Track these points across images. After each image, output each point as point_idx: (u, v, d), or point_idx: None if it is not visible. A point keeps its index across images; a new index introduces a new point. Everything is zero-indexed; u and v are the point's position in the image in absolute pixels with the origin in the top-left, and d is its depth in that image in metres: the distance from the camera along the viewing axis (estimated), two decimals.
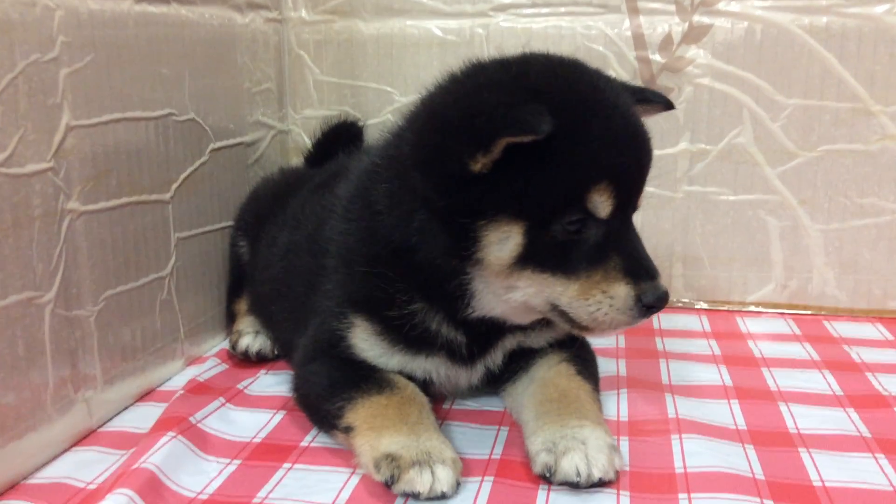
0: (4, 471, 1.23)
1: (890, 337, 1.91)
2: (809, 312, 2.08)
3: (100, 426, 1.46)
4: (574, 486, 1.20)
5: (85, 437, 1.41)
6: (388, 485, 1.18)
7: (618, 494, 1.20)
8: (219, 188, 1.87)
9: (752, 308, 2.12)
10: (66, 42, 1.35)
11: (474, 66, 1.33)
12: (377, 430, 1.25)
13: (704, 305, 2.14)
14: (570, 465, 1.19)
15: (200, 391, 1.56)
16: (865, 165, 2.01)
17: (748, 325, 2.01)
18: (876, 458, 1.30)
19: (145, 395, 1.60)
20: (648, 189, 2.05)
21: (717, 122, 2.06)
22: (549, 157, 1.17)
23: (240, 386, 1.61)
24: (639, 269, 1.24)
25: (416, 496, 1.17)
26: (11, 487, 1.24)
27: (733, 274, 2.13)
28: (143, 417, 1.48)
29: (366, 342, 1.39)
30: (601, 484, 1.20)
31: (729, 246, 2.11)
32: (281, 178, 1.99)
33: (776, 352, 1.80)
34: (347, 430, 1.29)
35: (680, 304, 2.15)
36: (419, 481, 1.16)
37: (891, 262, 2.04)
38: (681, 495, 1.19)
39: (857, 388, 1.59)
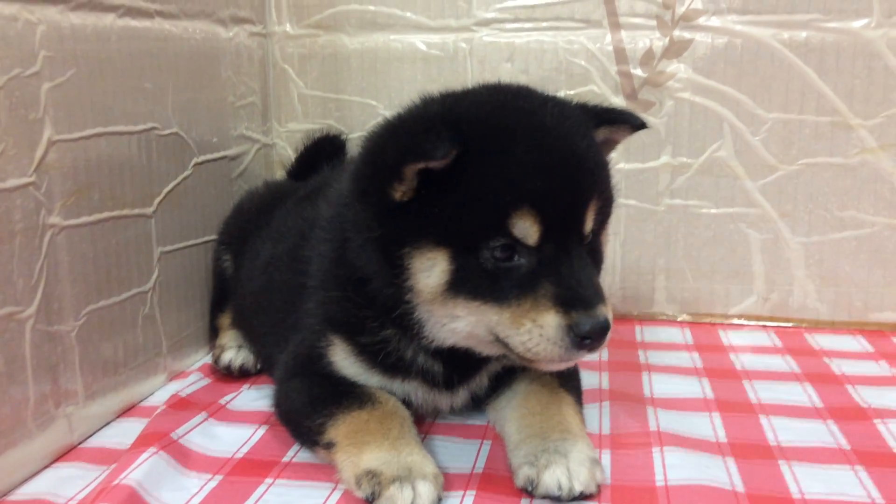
0: None
1: (870, 349, 1.93)
2: (791, 325, 2.09)
3: (81, 442, 1.45)
4: (556, 499, 1.20)
5: (66, 453, 1.40)
6: (369, 501, 1.18)
7: None
8: (202, 202, 1.87)
9: (735, 320, 2.13)
10: (48, 56, 1.35)
11: (422, 98, 1.35)
12: (358, 445, 1.25)
13: (687, 318, 2.15)
14: (552, 479, 1.20)
15: (183, 406, 1.56)
16: (845, 179, 2.03)
17: (730, 337, 2.02)
18: (855, 471, 1.31)
19: (127, 411, 1.59)
20: (629, 202, 2.10)
21: (697, 136, 2.08)
22: (465, 183, 1.19)
23: (222, 401, 1.60)
24: (572, 298, 1.18)
25: None
26: None
27: (715, 286, 2.14)
28: (124, 433, 1.47)
29: (345, 360, 1.40)
30: (583, 497, 1.20)
31: (711, 259, 2.13)
32: (265, 192, 1.99)
33: (757, 364, 1.81)
34: (329, 446, 1.29)
35: (663, 317, 2.16)
36: (400, 497, 1.16)
37: (871, 275, 2.06)
38: None
39: (837, 400, 1.60)
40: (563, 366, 1.27)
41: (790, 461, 1.34)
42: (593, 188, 1.26)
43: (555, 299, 1.18)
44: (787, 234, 2.07)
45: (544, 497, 1.21)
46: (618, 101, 2.08)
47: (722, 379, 1.72)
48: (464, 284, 1.21)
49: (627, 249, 2.16)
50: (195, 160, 1.83)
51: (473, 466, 1.34)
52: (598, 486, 1.23)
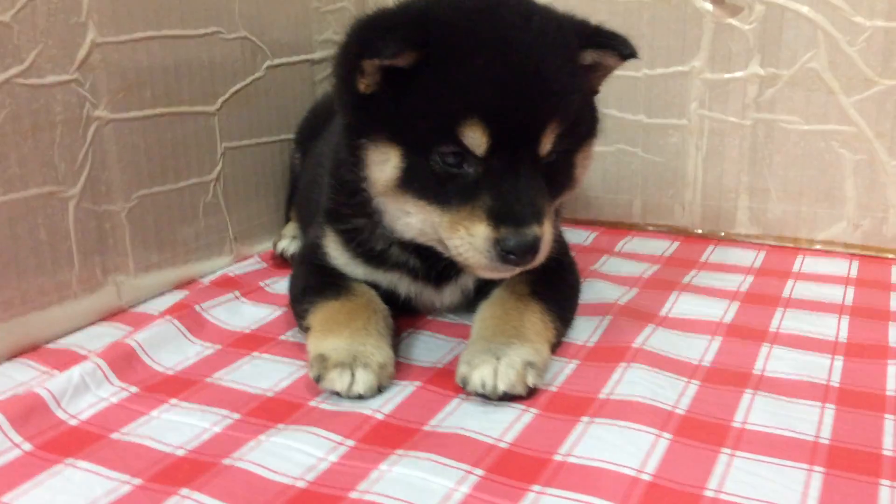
0: (25, 334, 1.46)
1: None
2: (880, 255, 1.91)
3: (130, 308, 1.67)
4: (484, 397, 1.25)
5: (113, 315, 1.63)
6: (316, 381, 1.29)
7: (524, 410, 1.23)
8: (276, 103, 2.01)
9: (818, 246, 1.98)
10: None
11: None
12: (324, 332, 1.36)
13: (770, 241, 2.03)
14: (478, 378, 1.25)
15: (225, 284, 1.74)
16: None
17: (805, 264, 1.89)
18: (823, 408, 1.23)
19: (185, 285, 1.79)
20: (713, 114, 1.99)
21: (789, 45, 1.91)
22: (424, 85, 1.22)
23: (262, 283, 1.77)
24: (505, 214, 1.21)
25: (337, 394, 1.28)
26: (33, 349, 1.48)
27: (802, 209, 1.99)
28: (170, 303, 1.65)
29: (335, 251, 1.50)
30: (508, 398, 1.24)
31: (798, 179, 1.98)
32: None
33: (807, 293, 1.69)
34: (307, 329, 1.41)
35: (744, 239, 2.05)
36: (339, 381, 1.27)
37: None
38: (583, 418, 1.20)
39: (866, 336, 1.47)
40: (496, 274, 1.30)
41: (758, 391, 1.28)
42: (554, 110, 1.25)
43: (488, 212, 1.22)
44: (883, 155, 1.88)
45: (474, 394, 1.26)
46: (704, 6, 1.95)
47: (755, 305, 1.63)
48: (413, 183, 1.27)
49: (709, 165, 2.06)
50: (268, 63, 1.96)
51: (437, 361, 1.41)
52: (531, 390, 1.26)
